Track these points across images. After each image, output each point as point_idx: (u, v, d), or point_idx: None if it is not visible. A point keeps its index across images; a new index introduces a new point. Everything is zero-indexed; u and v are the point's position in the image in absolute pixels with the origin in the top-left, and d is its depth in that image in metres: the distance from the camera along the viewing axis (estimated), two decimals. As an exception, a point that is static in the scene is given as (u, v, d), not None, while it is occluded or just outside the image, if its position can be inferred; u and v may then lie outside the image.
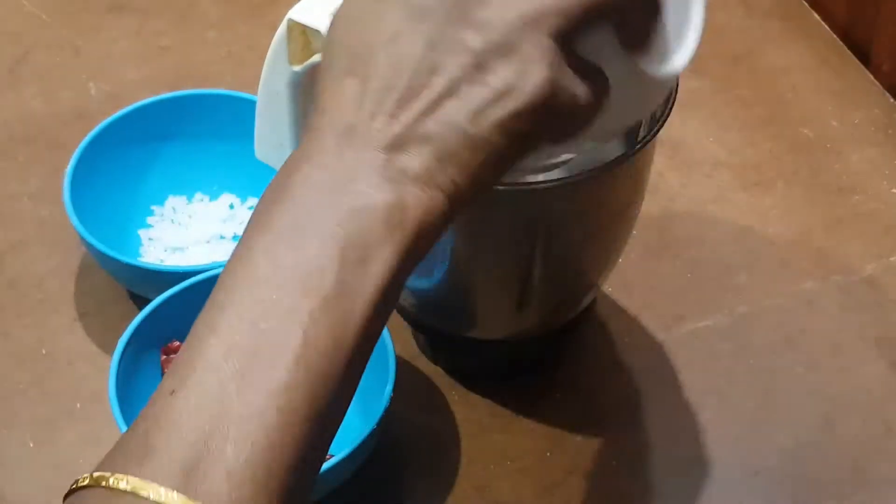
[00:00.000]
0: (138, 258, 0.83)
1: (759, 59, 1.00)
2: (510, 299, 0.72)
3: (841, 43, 1.01)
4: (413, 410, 0.77)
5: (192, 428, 0.42)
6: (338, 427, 0.46)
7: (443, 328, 0.76)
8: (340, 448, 0.71)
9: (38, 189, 0.89)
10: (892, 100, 0.97)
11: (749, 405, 0.79)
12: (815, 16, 1.04)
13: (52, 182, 0.87)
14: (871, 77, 0.99)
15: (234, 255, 0.46)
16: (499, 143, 0.46)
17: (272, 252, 0.45)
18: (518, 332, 0.75)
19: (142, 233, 0.85)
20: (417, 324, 0.78)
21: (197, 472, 0.41)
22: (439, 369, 0.80)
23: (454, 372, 0.79)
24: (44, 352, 0.81)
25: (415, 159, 0.46)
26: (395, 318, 0.77)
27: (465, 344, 0.76)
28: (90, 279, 0.84)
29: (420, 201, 0.46)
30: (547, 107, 0.46)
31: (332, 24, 0.49)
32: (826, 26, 1.03)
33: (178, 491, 0.41)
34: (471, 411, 0.78)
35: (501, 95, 0.46)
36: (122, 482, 0.41)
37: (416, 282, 0.73)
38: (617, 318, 0.83)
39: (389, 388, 0.70)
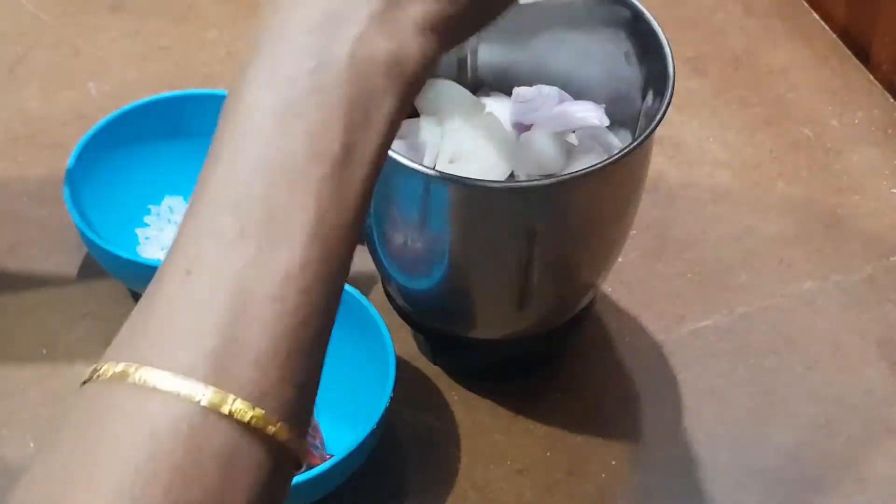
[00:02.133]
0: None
1: (759, 59, 1.00)
2: (510, 299, 0.72)
3: (841, 43, 1.01)
4: (413, 410, 0.77)
5: (214, 313, 0.40)
6: (335, 315, 0.44)
7: (443, 328, 0.76)
8: (340, 448, 0.71)
9: (38, 189, 0.89)
10: (892, 100, 0.97)
11: (749, 405, 0.79)
12: (815, 16, 1.04)
13: (52, 182, 0.87)
14: (871, 77, 0.99)
15: (227, 105, 0.43)
16: None
17: (272, 104, 0.42)
18: (518, 332, 0.75)
19: (139, 232, 0.85)
20: (417, 324, 0.78)
21: (225, 361, 0.39)
22: (439, 369, 0.80)
23: (454, 372, 0.79)
24: (44, 352, 0.81)
25: (416, 4, 0.44)
26: (395, 318, 0.77)
27: (465, 344, 0.76)
28: (90, 279, 0.84)
29: (420, 48, 0.44)
30: None
31: None
32: (826, 26, 1.03)
33: (208, 384, 0.39)
34: (471, 411, 0.78)
35: None
36: (149, 375, 0.39)
37: (416, 282, 0.73)
38: (617, 318, 0.83)
39: (389, 388, 0.70)
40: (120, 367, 0.40)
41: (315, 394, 0.43)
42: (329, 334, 0.43)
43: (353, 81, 0.42)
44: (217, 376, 0.39)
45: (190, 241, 0.41)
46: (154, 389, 0.39)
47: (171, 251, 0.42)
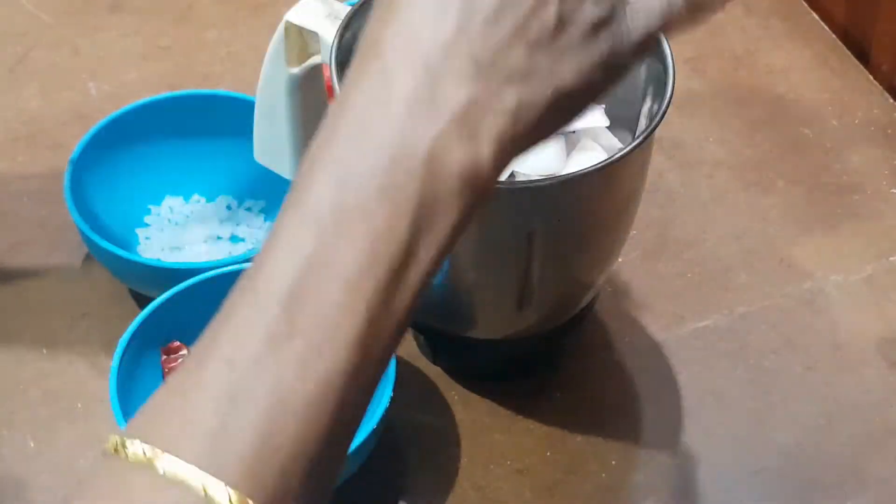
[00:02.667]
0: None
1: (759, 59, 1.00)
2: (510, 299, 0.71)
3: (840, 43, 1.01)
4: (413, 410, 0.77)
5: (250, 412, 0.39)
6: (366, 410, 0.43)
7: (443, 328, 0.76)
8: (340, 448, 0.71)
9: (38, 189, 0.89)
10: (891, 100, 0.97)
11: (749, 405, 0.79)
12: (815, 16, 1.04)
13: (52, 182, 0.87)
14: (871, 77, 0.99)
15: (295, 189, 0.41)
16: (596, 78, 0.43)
17: (339, 202, 0.40)
18: (518, 332, 0.75)
19: (139, 232, 0.85)
20: (417, 324, 0.78)
21: (254, 465, 0.39)
22: (439, 369, 0.80)
23: (454, 372, 0.79)
24: (44, 352, 0.81)
25: (497, 112, 0.42)
26: (395, 318, 0.77)
27: (465, 344, 0.76)
28: (91, 279, 0.84)
29: (494, 158, 0.42)
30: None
31: None
32: (825, 26, 1.03)
33: (231, 485, 0.38)
34: (471, 411, 0.78)
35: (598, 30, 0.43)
36: (175, 468, 0.38)
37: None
38: (617, 318, 0.83)
39: (389, 388, 0.70)
40: (148, 451, 0.39)
41: (331, 491, 0.42)
42: (356, 430, 0.43)
43: (425, 182, 0.41)
44: (242, 479, 0.39)
45: (238, 326, 0.41)
46: (175, 484, 0.38)
47: (216, 329, 0.41)
